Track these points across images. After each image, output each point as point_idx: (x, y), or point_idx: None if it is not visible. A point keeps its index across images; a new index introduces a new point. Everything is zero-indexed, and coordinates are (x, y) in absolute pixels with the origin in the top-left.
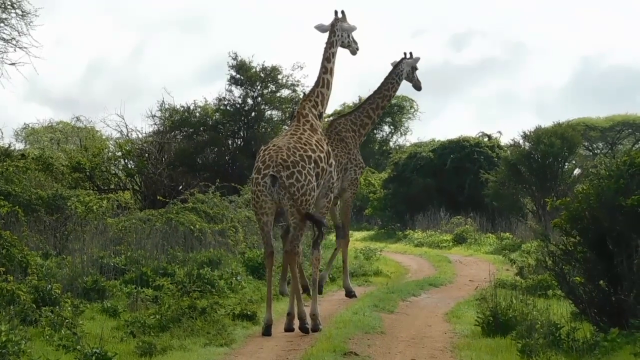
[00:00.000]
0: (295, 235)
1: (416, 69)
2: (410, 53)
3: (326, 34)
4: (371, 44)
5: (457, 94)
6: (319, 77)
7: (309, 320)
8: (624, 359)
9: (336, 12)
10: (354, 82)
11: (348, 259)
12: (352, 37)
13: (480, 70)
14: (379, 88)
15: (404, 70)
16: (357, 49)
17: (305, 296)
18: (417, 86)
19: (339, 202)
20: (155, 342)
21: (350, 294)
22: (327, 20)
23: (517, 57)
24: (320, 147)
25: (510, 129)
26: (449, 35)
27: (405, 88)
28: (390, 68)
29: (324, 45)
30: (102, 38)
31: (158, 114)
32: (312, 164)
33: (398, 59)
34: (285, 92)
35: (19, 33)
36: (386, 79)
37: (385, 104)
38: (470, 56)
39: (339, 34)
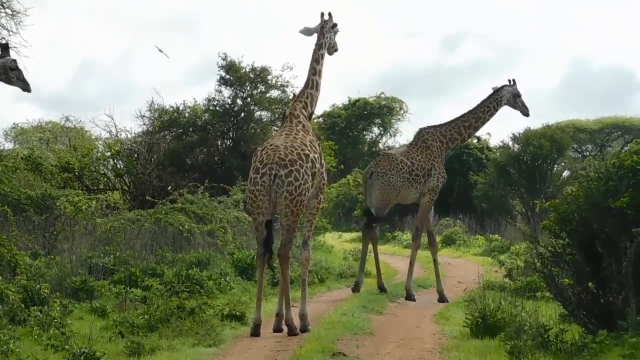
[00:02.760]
0: (288, 238)
1: (519, 95)
2: (514, 80)
3: (312, 36)
4: (363, 45)
5: (447, 95)
6: (308, 79)
7: (297, 321)
8: None
9: (322, 15)
10: (343, 83)
11: (414, 263)
12: (335, 40)
13: (471, 72)
14: (475, 109)
15: (504, 96)
16: (335, 51)
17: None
18: (524, 112)
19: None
20: (143, 342)
21: (410, 297)
22: (313, 23)
23: (509, 59)
24: (314, 148)
25: (500, 131)
26: (441, 37)
27: (392, 90)
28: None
29: (313, 47)
30: (93, 38)
31: (147, 114)
32: (310, 163)
33: (499, 85)
34: (274, 93)
35: (8, 32)
36: (484, 101)
37: (479, 125)
38: (461, 58)
39: (328, 36)
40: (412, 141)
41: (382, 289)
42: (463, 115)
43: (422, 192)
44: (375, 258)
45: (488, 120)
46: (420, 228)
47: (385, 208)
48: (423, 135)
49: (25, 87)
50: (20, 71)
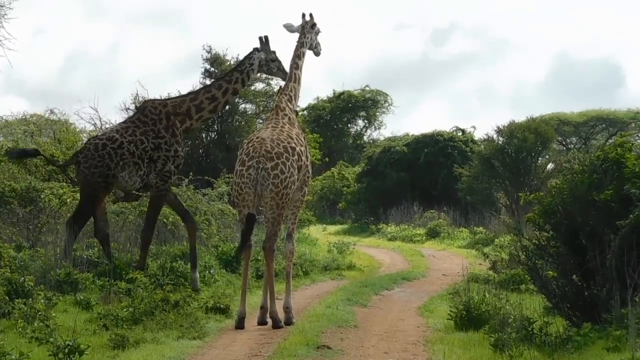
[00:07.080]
0: (273, 231)
1: None
2: None
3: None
4: (350, 37)
5: (433, 88)
6: (291, 72)
7: (281, 314)
8: (596, 354)
9: (304, 15)
10: (327, 76)
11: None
12: (318, 40)
13: (458, 65)
14: None
15: None
16: (320, 51)
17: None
18: None
19: None
20: (128, 335)
21: None
22: (298, 16)
23: (496, 52)
24: (300, 141)
25: (486, 124)
26: (430, 30)
27: (379, 83)
28: None
29: (295, 44)
30: (80, 30)
31: (132, 106)
32: (295, 156)
33: None
34: (259, 86)
35: None
36: None
37: None
38: (449, 51)
39: (308, 36)
40: None
41: None
42: None
43: None
44: None
45: None
46: None
47: None
48: None
49: (284, 77)
50: (279, 62)
